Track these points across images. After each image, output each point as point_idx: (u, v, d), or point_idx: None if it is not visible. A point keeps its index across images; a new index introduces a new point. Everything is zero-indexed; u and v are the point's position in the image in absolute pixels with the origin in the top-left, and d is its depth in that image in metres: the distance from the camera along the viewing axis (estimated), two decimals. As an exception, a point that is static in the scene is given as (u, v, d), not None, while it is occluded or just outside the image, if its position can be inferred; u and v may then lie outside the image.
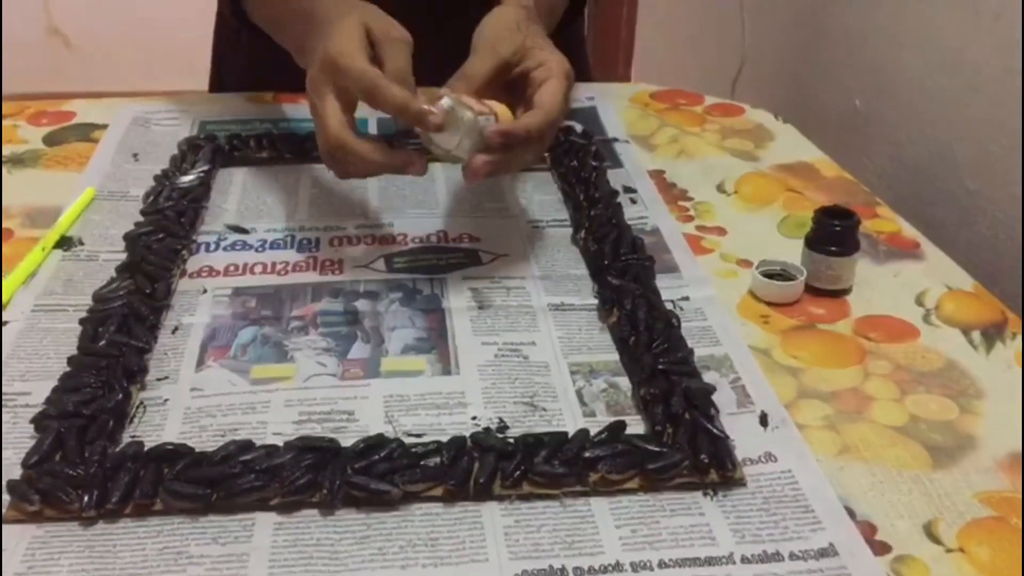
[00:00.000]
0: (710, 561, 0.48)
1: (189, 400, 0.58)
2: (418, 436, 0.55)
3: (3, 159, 0.86)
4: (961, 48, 0.95)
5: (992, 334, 0.66)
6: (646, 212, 0.81)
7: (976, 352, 0.64)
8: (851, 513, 0.51)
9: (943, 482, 0.53)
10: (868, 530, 0.50)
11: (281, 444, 0.53)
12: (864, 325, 0.67)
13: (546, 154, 0.89)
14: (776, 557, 0.48)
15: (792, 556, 0.48)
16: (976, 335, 0.66)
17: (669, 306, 0.67)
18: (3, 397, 0.57)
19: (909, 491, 0.53)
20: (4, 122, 0.93)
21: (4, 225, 0.76)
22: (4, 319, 0.64)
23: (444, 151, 0.65)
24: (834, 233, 0.69)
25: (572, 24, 0.98)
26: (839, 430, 0.57)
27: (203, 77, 1.09)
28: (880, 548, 0.49)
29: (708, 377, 0.60)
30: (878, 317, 0.68)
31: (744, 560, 0.48)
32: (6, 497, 0.50)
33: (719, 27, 1.37)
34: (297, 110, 0.97)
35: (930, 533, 0.50)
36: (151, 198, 0.78)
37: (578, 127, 0.94)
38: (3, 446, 0.54)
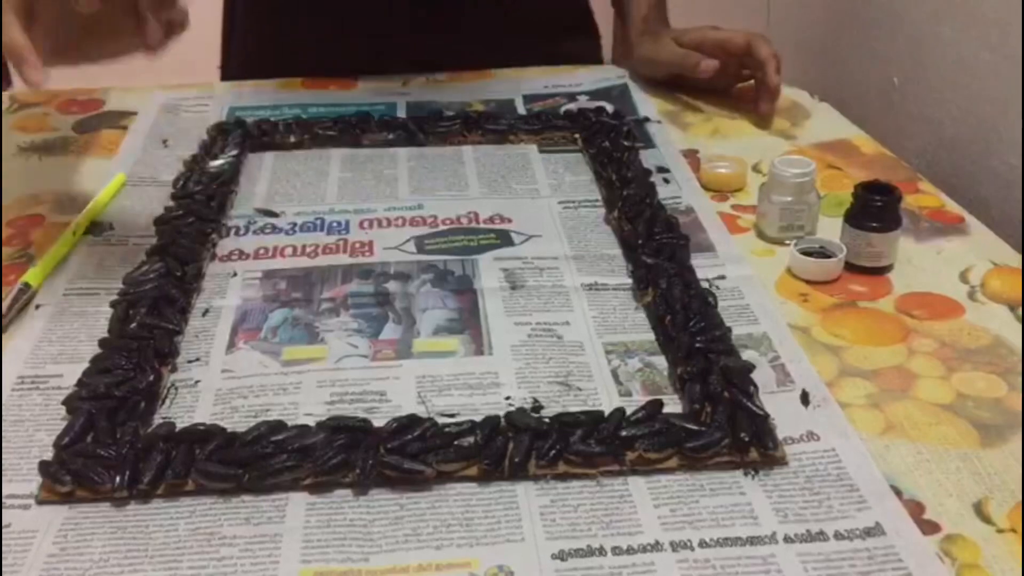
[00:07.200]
0: (752, 540, 0.47)
1: (220, 381, 0.57)
2: (451, 416, 0.54)
3: (34, 146, 0.86)
4: (1004, 21, 0.92)
5: (1041, 310, 0.64)
6: (680, 192, 0.79)
7: (1024, 328, 0.62)
8: (897, 492, 0.49)
9: (992, 460, 0.52)
10: (916, 509, 0.49)
11: (313, 424, 0.52)
12: (907, 302, 0.65)
13: (577, 135, 0.88)
14: (820, 536, 0.47)
15: (837, 535, 0.47)
16: (1024, 311, 0.64)
17: (705, 285, 0.65)
18: (36, 380, 0.57)
19: (957, 470, 0.51)
20: (35, 110, 0.93)
21: (36, 211, 0.76)
22: (36, 303, 0.64)
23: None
24: (875, 209, 0.67)
25: None
26: (883, 408, 0.56)
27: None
28: (929, 527, 0.47)
29: (746, 356, 0.59)
30: (921, 294, 0.66)
31: (787, 539, 0.47)
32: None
33: (745, 4, 1.35)
34: (327, 96, 0.97)
35: (980, 512, 0.48)
36: (181, 183, 0.78)
37: (609, 107, 0.93)
38: (36, 428, 0.54)
